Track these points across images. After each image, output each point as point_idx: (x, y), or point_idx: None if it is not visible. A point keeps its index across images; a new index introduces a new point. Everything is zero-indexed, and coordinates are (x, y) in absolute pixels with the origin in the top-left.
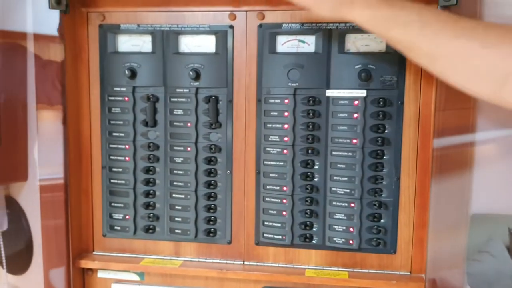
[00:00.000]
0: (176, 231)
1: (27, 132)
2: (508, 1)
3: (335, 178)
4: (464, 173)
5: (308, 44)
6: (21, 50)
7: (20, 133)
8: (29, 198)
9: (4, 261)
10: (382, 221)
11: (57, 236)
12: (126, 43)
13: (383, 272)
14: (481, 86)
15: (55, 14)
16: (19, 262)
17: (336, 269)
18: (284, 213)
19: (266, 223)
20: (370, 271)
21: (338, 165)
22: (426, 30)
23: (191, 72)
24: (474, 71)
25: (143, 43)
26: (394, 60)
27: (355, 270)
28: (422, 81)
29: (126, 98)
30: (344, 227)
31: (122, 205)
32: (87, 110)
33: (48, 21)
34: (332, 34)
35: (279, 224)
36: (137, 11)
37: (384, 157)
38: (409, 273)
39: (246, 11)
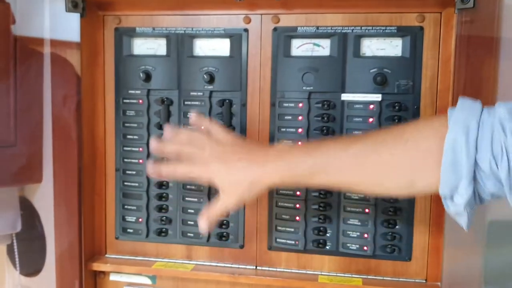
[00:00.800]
0: (189, 234)
1: (42, 134)
2: None
3: None
4: None
5: (323, 47)
6: (38, 53)
7: (35, 134)
8: (43, 200)
9: (17, 262)
10: (397, 227)
11: (70, 238)
12: (141, 46)
13: (397, 279)
14: (395, 194)
15: (72, 18)
16: (32, 264)
17: (350, 275)
18: (297, 218)
19: (279, 228)
20: (384, 278)
21: None
22: (329, 172)
23: (205, 76)
24: (382, 188)
25: (158, 46)
26: (410, 64)
27: (369, 277)
28: (439, 86)
29: (141, 101)
30: (358, 233)
31: (135, 207)
32: (102, 112)
33: (65, 26)
34: (347, 38)
35: (292, 229)
36: (153, 14)
37: None
38: (424, 281)
39: (261, 14)
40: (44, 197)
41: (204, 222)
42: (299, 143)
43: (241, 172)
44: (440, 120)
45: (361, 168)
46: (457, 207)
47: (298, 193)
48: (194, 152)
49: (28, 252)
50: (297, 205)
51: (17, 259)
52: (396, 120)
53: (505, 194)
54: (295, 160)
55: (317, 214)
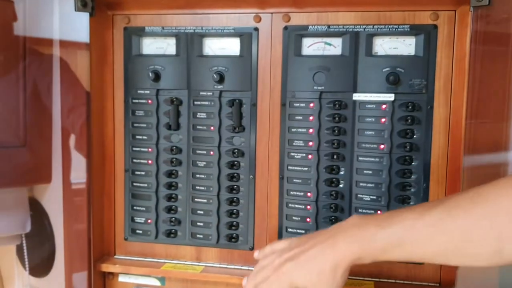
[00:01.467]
0: (198, 236)
1: (51, 135)
2: None
3: (361, 184)
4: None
5: (335, 46)
6: (47, 54)
7: (45, 135)
8: (52, 200)
9: (27, 262)
10: None
11: (79, 239)
12: (150, 45)
13: (410, 283)
14: (482, 264)
15: (81, 18)
16: (41, 265)
17: (362, 278)
18: (308, 219)
19: (289, 229)
20: (397, 281)
21: (365, 171)
22: (404, 249)
23: (215, 75)
24: (466, 258)
25: (167, 46)
26: (423, 63)
27: (381, 280)
28: (453, 85)
29: (150, 101)
30: None
31: (144, 208)
32: (111, 112)
33: (75, 25)
34: (359, 37)
35: (303, 231)
36: (162, 13)
37: (413, 164)
38: (438, 285)
39: (272, 13)
40: (53, 197)
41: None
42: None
43: (315, 261)
44: None
45: (440, 237)
46: None
47: (309, 194)
48: (266, 269)
49: (37, 253)
50: (308, 207)
51: (26, 260)
52: (409, 120)
53: None
54: (368, 235)
55: (328, 215)
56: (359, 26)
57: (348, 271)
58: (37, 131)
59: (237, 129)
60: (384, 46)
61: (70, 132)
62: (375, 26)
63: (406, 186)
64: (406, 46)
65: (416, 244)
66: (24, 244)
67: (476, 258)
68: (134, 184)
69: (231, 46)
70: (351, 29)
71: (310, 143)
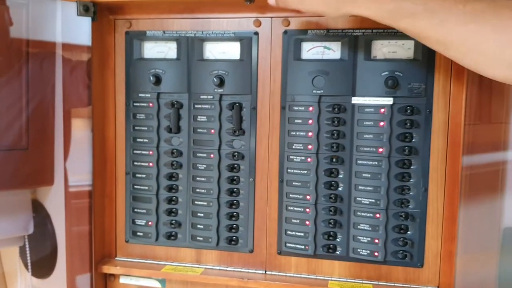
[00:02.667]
0: (198, 238)
1: (54, 137)
2: None
3: (360, 187)
4: (496, 185)
5: (334, 50)
6: (50, 56)
7: (47, 138)
8: (54, 202)
9: (29, 264)
10: (408, 233)
11: (81, 241)
12: (151, 49)
13: (409, 286)
14: (496, 71)
15: (84, 22)
16: (43, 266)
17: (360, 281)
18: (307, 222)
19: (288, 232)
20: (396, 284)
21: (363, 175)
22: (433, 20)
23: (215, 79)
24: (486, 56)
25: (168, 50)
26: (422, 67)
27: (380, 283)
28: (452, 89)
29: (151, 104)
30: (369, 238)
31: (144, 211)
32: (113, 115)
33: (77, 30)
34: (358, 41)
35: (302, 234)
36: (163, 18)
37: (411, 167)
38: None
39: (271, 17)
40: (55, 199)
41: None
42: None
43: None
44: None
45: (474, 27)
46: None
47: (308, 197)
48: None
49: (40, 254)
50: (307, 210)
51: (29, 261)
52: (408, 124)
53: None
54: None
55: (327, 218)
56: (357, 30)
57: (346, 11)
58: (40, 134)
59: (237, 132)
60: (383, 50)
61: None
62: (373, 30)
63: (405, 189)
64: (405, 50)
65: (446, 25)
66: (27, 246)
67: (494, 62)
68: (135, 186)
69: (231, 50)
70: (350, 33)
71: (310, 147)
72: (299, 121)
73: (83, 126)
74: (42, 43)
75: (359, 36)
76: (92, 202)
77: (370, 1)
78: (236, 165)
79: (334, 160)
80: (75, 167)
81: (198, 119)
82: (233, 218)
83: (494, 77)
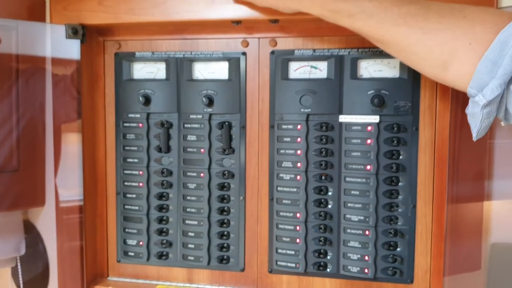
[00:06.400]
0: (189, 257)
1: (45, 158)
2: None
3: (349, 205)
4: (483, 200)
5: (320, 70)
6: (39, 73)
7: (38, 157)
8: (46, 223)
9: (21, 285)
10: (398, 249)
11: (72, 260)
12: (141, 70)
13: None
14: (426, 69)
15: (73, 44)
16: (36, 286)
17: None
18: (297, 240)
19: (279, 250)
20: None
21: (352, 192)
22: (370, 21)
23: (204, 99)
24: (418, 55)
25: (158, 70)
26: (408, 86)
27: None
28: (438, 106)
29: (141, 125)
30: (359, 256)
31: (135, 231)
32: (103, 136)
33: (67, 49)
34: (344, 60)
35: (293, 252)
36: (152, 39)
37: (399, 184)
38: None
39: (259, 38)
40: (47, 220)
41: None
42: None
43: None
44: (506, 14)
45: (406, 29)
46: (475, 107)
47: (298, 215)
48: None
49: (32, 275)
50: (297, 227)
51: (21, 282)
52: (395, 142)
53: None
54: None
55: (317, 236)
56: (343, 50)
57: (297, 11)
58: (30, 154)
59: (226, 151)
60: (368, 69)
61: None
62: (359, 50)
63: (394, 206)
64: (390, 68)
65: (382, 25)
66: (19, 266)
67: (424, 61)
68: (126, 206)
69: (220, 70)
70: (336, 53)
71: (299, 164)
72: (288, 139)
73: (73, 140)
74: (32, 59)
75: (345, 56)
76: (83, 219)
77: (314, 1)
78: (226, 183)
79: (323, 177)
80: (65, 183)
81: (188, 138)
82: (224, 237)
83: (426, 74)
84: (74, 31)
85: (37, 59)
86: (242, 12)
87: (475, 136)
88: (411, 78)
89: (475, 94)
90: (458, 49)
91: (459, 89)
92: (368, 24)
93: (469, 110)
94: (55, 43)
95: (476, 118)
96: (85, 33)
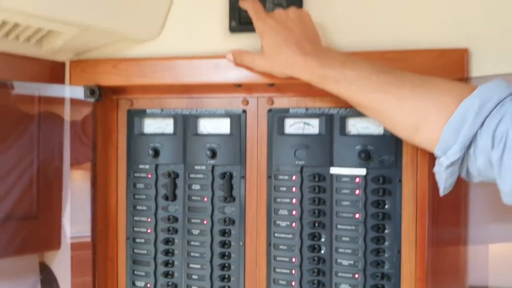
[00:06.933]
0: None
1: (61, 204)
2: None
3: (340, 250)
4: (460, 245)
5: (313, 126)
6: (58, 123)
7: (56, 203)
8: (61, 265)
9: None
10: None
11: None
12: (151, 125)
13: None
14: (401, 133)
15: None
16: None
17: None
18: (293, 283)
19: None
20: None
21: (343, 238)
22: (352, 87)
23: (208, 152)
24: (393, 120)
25: (166, 126)
26: (392, 142)
27: None
28: (418, 161)
29: (149, 175)
30: None
31: (144, 273)
32: (115, 185)
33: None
34: (333, 118)
35: None
36: (161, 97)
37: (385, 231)
38: None
39: (257, 97)
40: (61, 263)
41: (231, 53)
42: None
43: (287, 51)
44: (470, 87)
45: (383, 96)
46: (440, 167)
47: (293, 259)
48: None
49: None
50: (293, 271)
51: None
52: (381, 192)
53: (491, 178)
54: (331, 65)
55: (311, 279)
56: (333, 109)
57: (293, 76)
58: (49, 200)
59: (228, 199)
60: (356, 126)
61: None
62: (347, 109)
63: (380, 251)
64: (376, 126)
65: (361, 92)
66: None
67: (397, 125)
68: (135, 250)
69: (222, 126)
70: (326, 112)
71: (294, 212)
72: (284, 188)
73: (86, 187)
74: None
75: (334, 114)
76: (96, 262)
77: (305, 68)
78: (227, 230)
79: (316, 225)
80: (79, 227)
81: (192, 187)
82: (225, 280)
83: (400, 136)
84: (92, 92)
85: (55, 111)
86: (243, 76)
87: (441, 192)
88: (395, 135)
89: (440, 156)
90: (427, 116)
91: (428, 150)
92: (350, 90)
93: (436, 169)
94: (74, 101)
95: (441, 177)
96: (100, 93)
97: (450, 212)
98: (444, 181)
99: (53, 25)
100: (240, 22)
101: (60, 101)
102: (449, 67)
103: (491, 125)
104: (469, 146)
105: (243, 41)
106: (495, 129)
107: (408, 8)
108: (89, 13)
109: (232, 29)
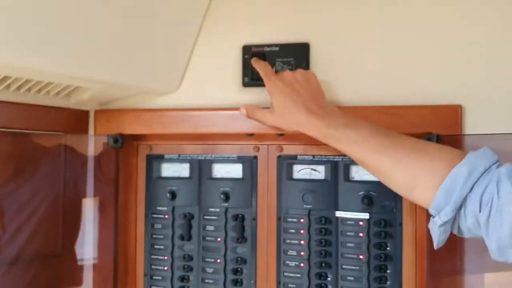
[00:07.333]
0: None
1: (83, 240)
2: None
3: None
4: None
5: (319, 172)
6: (82, 161)
7: (76, 240)
8: None
9: None
10: None
11: None
12: (168, 169)
13: None
14: (398, 191)
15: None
16: None
17: None
18: None
19: None
20: None
21: (348, 278)
22: (354, 147)
23: (221, 195)
24: (390, 180)
25: (182, 170)
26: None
27: None
28: (417, 207)
29: (167, 216)
30: None
31: None
32: (134, 225)
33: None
34: (338, 165)
35: None
36: (178, 144)
37: (387, 271)
38: None
39: (268, 145)
40: None
41: (244, 108)
42: None
43: (295, 111)
44: (460, 153)
45: (381, 157)
46: (434, 225)
47: None
48: (283, 74)
49: None
50: None
51: None
52: (383, 235)
53: (480, 235)
54: (335, 125)
55: None
56: (337, 157)
57: (295, 130)
58: (72, 238)
59: (240, 240)
60: (359, 172)
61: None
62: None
63: None
64: None
65: (362, 152)
66: None
67: (395, 184)
68: (152, 287)
69: (235, 171)
70: (331, 159)
71: (302, 253)
72: (293, 231)
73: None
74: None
75: (339, 161)
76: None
77: (310, 127)
78: (239, 268)
79: (323, 265)
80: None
81: (207, 228)
82: None
83: (399, 194)
84: (115, 140)
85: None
86: (255, 127)
87: (435, 246)
88: None
89: (434, 215)
90: (421, 179)
91: (423, 207)
92: (352, 149)
93: (430, 226)
94: (97, 149)
95: (435, 233)
96: (123, 140)
97: (447, 254)
98: (438, 237)
99: (82, 82)
100: (252, 78)
101: (85, 146)
102: (443, 123)
103: (478, 191)
104: (460, 208)
105: (255, 94)
106: (482, 194)
107: (404, 67)
108: (115, 71)
109: (245, 84)
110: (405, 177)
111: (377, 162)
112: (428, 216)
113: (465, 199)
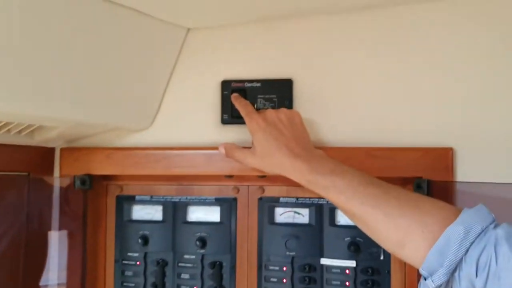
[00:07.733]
0: None
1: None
2: None
3: None
4: None
5: (303, 215)
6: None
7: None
8: None
9: None
10: None
11: None
12: (139, 211)
13: None
14: (386, 246)
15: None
16: None
17: None
18: None
19: None
20: None
21: None
22: (341, 196)
23: (198, 241)
24: (378, 234)
25: (155, 212)
26: None
27: None
28: None
29: (138, 263)
30: None
31: None
32: (103, 272)
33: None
34: (323, 208)
35: None
36: (151, 184)
37: None
38: None
39: (248, 186)
40: None
41: (223, 147)
42: None
43: (277, 153)
44: (455, 210)
45: (369, 209)
46: (425, 287)
47: None
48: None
49: None
50: None
51: None
52: (370, 283)
53: None
54: (321, 171)
55: None
56: (322, 199)
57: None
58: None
59: None
60: (345, 216)
61: None
62: None
63: None
64: None
65: (350, 201)
66: None
67: (384, 239)
68: None
69: (213, 214)
70: (316, 202)
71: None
72: (275, 279)
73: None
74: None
75: (324, 205)
76: None
77: (294, 171)
78: None
79: None
80: None
81: (181, 276)
82: None
83: (388, 251)
84: (83, 182)
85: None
86: (235, 168)
87: None
88: None
89: (426, 276)
90: (412, 235)
91: (413, 266)
92: (338, 198)
93: (421, 287)
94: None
95: None
96: (91, 181)
97: None
98: None
99: (45, 122)
100: (232, 115)
101: (50, 187)
102: (434, 167)
103: (475, 254)
104: (454, 270)
105: (235, 132)
106: (479, 257)
107: (393, 106)
108: (82, 110)
109: (224, 121)
110: (395, 233)
111: (365, 214)
112: None
113: (460, 262)
